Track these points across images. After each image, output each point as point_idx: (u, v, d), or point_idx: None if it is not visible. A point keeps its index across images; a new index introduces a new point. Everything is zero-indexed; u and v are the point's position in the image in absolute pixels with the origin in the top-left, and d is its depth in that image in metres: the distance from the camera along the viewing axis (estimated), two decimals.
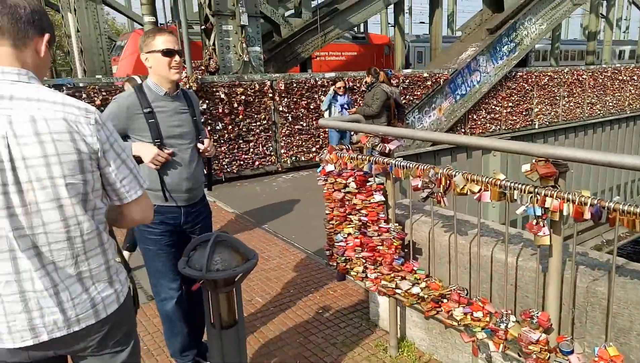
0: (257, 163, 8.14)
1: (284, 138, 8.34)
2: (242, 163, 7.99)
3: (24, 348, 1.32)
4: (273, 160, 8.33)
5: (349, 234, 2.89)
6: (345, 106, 7.34)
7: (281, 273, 4.33)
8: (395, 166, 2.42)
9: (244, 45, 8.03)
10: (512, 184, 1.81)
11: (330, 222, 3.03)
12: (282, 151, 8.38)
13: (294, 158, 8.52)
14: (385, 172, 2.56)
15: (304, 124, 8.45)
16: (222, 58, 8.07)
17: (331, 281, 4.13)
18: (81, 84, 6.68)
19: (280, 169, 8.44)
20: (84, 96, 6.51)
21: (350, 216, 2.85)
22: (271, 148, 8.26)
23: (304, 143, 8.59)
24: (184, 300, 2.73)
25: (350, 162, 2.74)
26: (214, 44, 8.15)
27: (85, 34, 11.64)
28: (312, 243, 5.05)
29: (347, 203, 2.85)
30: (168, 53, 2.33)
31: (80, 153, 1.27)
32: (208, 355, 2.99)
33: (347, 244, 2.92)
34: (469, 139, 2.12)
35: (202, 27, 8.41)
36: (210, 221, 2.80)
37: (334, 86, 7.45)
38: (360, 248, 2.82)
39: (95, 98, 6.60)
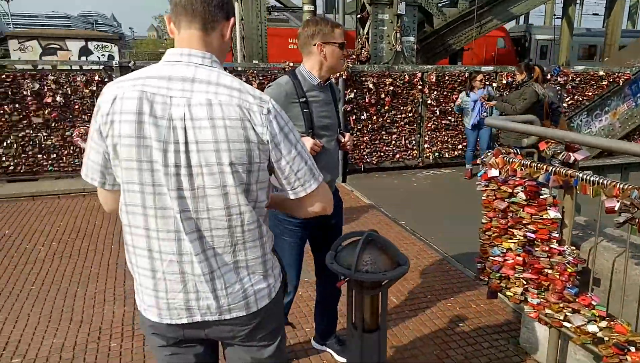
0: (397, 155, 7.93)
1: (428, 133, 7.97)
2: (382, 154, 7.85)
3: (179, 325, 1.35)
4: (414, 154, 8.03)
5: (509, 249, 2.56)
6: (479, 100, 6.77)
7: (418, 276, 4.11)
8: (582, 180, 2.04)
9: (398, 34, 7.81)
10: None
11: (487, 233, 2.73)
12: (425, 145, 8.03)
13: (437, 154, 8.11)
14: (567, 185, 2.19)
15: (452, 120, 7.98)
16: (375, 47, 7.95)
17: (473, 293, 3.81)
18: (240, 68, 7.12)
19: (420, 164, 8.12)
20: (243, 79, 6.92)
21: (513, 230, 2.51)
22: (414, 142, 7.96)
23: (449, 139, 8.12)
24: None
25: (521, 169, 2.40)
26: (367, 33, 8.07)
27: (247, 21, 12.46)
28: (453, 248, 4.74)
29: (510, 214, 2.52)
30: (343, 46, 2.37)
31: (249, 141, 1.24)
32: (340, 348, 2.94)
33: (505, 260, 2.60)
34: None
35: (358, 15, 8.38)
36: (341, 211, 2.79)
37: (473, 81, 6.90)
38: (521, 268, 2.49)
39: (252, 82, 6.97)
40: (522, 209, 2.43)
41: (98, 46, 14.88)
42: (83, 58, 14.39)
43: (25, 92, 6.20)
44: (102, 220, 5.37)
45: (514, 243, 2.52)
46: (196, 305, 1.32)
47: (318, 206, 1.40)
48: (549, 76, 8.30)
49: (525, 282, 2.48)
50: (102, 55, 14.83)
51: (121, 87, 1.25)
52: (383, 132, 7.74)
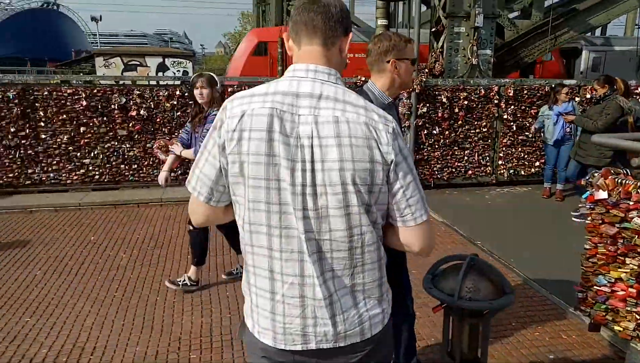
0: (469, 172, 7.63)
1: (503, 149, 7.60)
2: (453, 170, 7.58)
3: (292, 351, 1.30)
4: (488, 171, 7.69)
5: (619, 279, 2.33)
6: (564, 113, 6.33)
7: None
8: None
9: (475, 47, 7.56)
10: None
11: (591, 260, 2.51)
12: (500, 162, 7.66)
13: (512, 171, 7.71)
14: None
15: (529, 135, 7.56)
16: (449, 61, 7.74)
17: (563, 323, 3.53)
18: None
19: (494, 181, 7.75)
20: None
21: (625, 258, 2.29)
22: (487, 158, 7.63)
23: (526, 156, 7.71)
24: None
25: (637, 192, 2.18)
26: (441, 47, 7.90)
27: None
28: (535, 271, 4.44)
29: (622, 241, 2.30)
30: (415, 62, 2.31)
31: (373, 162, 1.19)
32: None
33: (613, 291, 2.37)
34: None
35: (432, 29, 8.23)
36: None
37: (558, 93, 6.47)
38: (634, 300, 2.25)
39: None
40: (637, 236, 2.21)
41: (174, 62, 15.69)
42: (160, 74, 15.21)
43: (112, 106, 6.58)
44: (178, 229, 5.54)
45: (626, 272, 2.29)
46: (313, 332, 1.27)
47: (420, 243, 1.29)
48: (639, 90, 7.71)
49: (638, 317, 2.24)
50: (178, 70, 15.61)
51: (249, 103, 1.23)
52: (455, 148, 7.48)
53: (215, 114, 3.65)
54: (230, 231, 4.17)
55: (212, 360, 3.08)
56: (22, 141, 6.46)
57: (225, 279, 4.25)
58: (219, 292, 4.02)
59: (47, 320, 3.54)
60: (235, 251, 4.33)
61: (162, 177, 3.95)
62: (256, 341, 1.34)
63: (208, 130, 3.61)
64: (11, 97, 6.27)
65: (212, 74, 3.92)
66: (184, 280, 3.98)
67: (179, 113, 6.80)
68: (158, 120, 6.75)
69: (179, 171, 6.71)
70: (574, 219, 5.99)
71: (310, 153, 1.17)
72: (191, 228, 3.95)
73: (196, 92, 3.74)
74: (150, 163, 6.90)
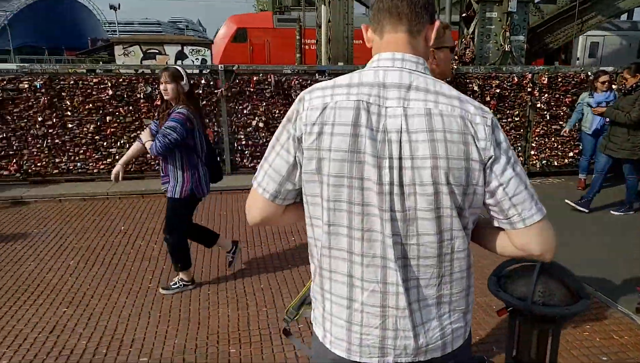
0: None
1: (536, 138, 7.40)
2: None
3: None
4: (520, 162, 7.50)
5: None
6: (603, 103, 6.08)
7: None
8: None
9: (507, 33, 7.34)
10: None
11: None
12: (532, 152, 7.46)
13: (544, 161, 7.51)
14: None
15: (564, 125, 7.35)
16: (480, 48, 7.52)
17: (612, 322, 3.40)
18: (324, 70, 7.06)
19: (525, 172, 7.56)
20: None
21: None
22: (519, 148, 7.43)
23: (559, 146, 7.49)
24: None
25: None
26: (472, 33, 7.67)
27: (335, 23, 12.43)
28: (577, 266, 4.16)
29: None
30: (454, 49, 2.12)
31: (469, 160, 1.08)
32: None
33: None
34: None
35: (463, 14, 8.01)
36: None
37: (596, 81, 6.22)
38: None
39: None
40: None
41: (193, 50, 15.60)
42: (179, 62, 15.15)
43: (138, 95, 6.54)
44: (207, 220, 5.49)
45: None
46: (392, 345, 1.17)
47: (538, 246, 1.15)
48: None
49: None
50: (196, 58, 15.52)
51: (332, 94, 1.13)
52: None
53: (180, 112, 3.37)
54: (192, 233, 3.95)
55: (252, 354, 3.02)
56: (50, 131, 6.48)
57: (258, 271, 4.20)
58: (254, 285, 3.96)
59: (83, 311, 3.52)
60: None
61: (114, 171, 3.62)
62: (326, 351, 1.25)
63: (168, 128, 3.33)
64: (38, 86, 6.27)
65: (177, 67, 3.57)
66: (177, 284, 3.82)
67: (204, 102, 6.73)
68: None
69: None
70: (612, 212, 5.81)
71: (399, 149, 1.07)
72: (167, 236, 3.73)
73: (161, 87, 3.47)
74: None
